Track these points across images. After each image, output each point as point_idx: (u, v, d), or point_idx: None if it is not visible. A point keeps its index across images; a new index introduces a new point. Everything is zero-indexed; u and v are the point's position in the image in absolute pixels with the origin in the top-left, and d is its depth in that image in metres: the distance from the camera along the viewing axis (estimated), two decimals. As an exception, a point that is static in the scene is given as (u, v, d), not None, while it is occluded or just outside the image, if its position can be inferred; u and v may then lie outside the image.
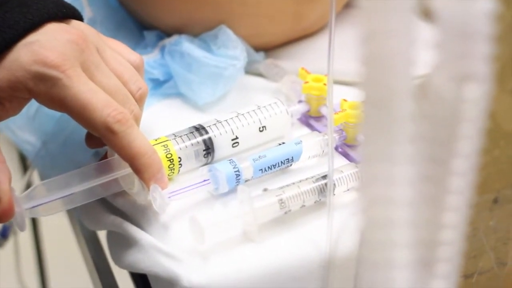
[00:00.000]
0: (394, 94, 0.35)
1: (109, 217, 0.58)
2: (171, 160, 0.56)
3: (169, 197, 0.53)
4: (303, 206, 0.54)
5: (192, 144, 0.57)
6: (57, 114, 0.63)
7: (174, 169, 0.56)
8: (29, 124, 0.66)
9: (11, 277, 1.10)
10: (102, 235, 0.70)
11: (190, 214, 0.52)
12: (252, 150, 0.60)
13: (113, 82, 0.54)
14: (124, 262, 0.56)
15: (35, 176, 0.74)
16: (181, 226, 0.54)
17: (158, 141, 0.57)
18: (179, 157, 0.56)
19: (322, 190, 0.54)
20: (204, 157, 0.58)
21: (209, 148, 0.58)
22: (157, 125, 0.62)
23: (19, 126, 0.66)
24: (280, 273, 0.52)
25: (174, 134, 0.57)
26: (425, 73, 0.39)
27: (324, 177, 0.55)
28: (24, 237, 1.00)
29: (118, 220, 0.57)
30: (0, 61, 0.51)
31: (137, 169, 0.53)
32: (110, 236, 0.60)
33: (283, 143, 0.58)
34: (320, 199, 0.55)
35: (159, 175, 0.53)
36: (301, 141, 0.58)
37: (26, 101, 0.53)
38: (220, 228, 0.51)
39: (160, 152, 0.55)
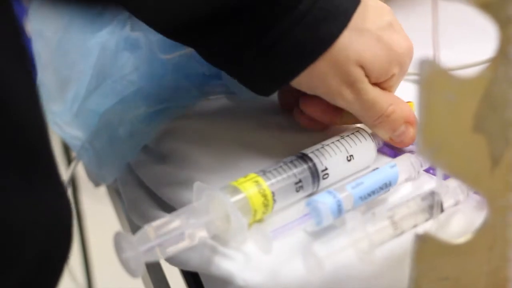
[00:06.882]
0: None
1: (159, 212, 0.56)
2: (265, 196, 0.52)
3: (272, 235, 0.50)
4: (415, 225, 0.50)
5: (283, 179, 0.54)
6: (100, 109, 0.62)
7: (268, 206, 0.53)
8: (75, 119, 0.64)
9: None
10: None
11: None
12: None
13: None
14: (175, 260, 0.53)
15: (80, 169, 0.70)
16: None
17: (248, 178, 0.53)
18: (272, 192, 0.53)
19: (431, 207, 0.51)
20: (297, 191, 0.54)
21: (301, 181, 0.54)
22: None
23: (67, 122, 0.64)
24: (339, 271, 0.49)
25: (262, 170, 0.54)
26: None
27: (431, 193, 0.51)
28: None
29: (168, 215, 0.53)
30: None
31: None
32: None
33: (377, 168, 0.55)
34: (430, 217, 0.51)
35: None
36: (395, 164, 0.55)
37: None
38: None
39: (253, 189, 0.52)
